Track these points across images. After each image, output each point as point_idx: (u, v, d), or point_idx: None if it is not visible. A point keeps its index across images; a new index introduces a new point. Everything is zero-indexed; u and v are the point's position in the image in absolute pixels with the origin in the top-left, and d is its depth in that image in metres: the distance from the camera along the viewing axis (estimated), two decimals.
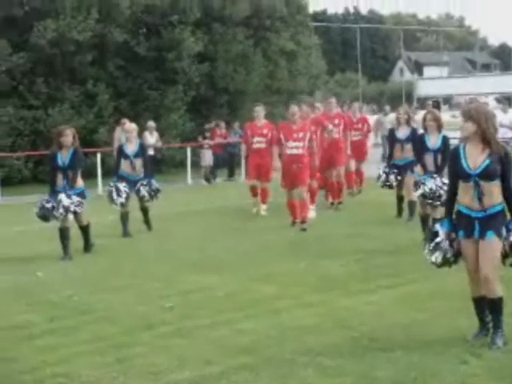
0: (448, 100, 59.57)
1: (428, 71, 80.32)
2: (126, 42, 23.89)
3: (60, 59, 23.06)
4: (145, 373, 5.36)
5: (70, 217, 10.08)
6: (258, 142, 13.57)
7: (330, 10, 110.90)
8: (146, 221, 12.24)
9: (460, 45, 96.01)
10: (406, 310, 6.69)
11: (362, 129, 16.30)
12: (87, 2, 23.17)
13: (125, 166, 11.95)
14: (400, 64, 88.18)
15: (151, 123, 20.62)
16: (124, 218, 11.83)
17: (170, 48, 24.30)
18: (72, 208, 9.96)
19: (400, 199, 12.40)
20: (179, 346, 5.96)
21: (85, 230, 10.48)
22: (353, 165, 15.42)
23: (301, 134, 11.71)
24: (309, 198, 12.18)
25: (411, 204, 11.81)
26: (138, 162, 11.92)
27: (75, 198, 10.01)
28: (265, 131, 13.56)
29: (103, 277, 8.77)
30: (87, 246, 10.52)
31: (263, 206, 13.63)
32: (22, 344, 6.18)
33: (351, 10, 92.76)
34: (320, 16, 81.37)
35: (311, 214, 12.44)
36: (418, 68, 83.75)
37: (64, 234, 10.14)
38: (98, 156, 19.97)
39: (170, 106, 24.34)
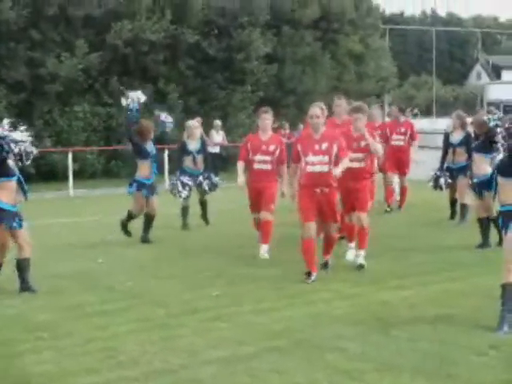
0: None
1: (507, 75, 78.75)
2: (197, 42, 24.60)
3: (134, 58, 23.95)
4: (184, 351, 5.85)
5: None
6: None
7: (407, 12, 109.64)
8: (204, 214, 12.80)
9: None
10: (436, 306, 7.00)
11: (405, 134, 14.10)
12: (161, 3, 24.01)
13: (187, 161, 12.55)
14: (477, 67, 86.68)
15: (218, 122, 21.28)
16: (185, 211, 12.44)
17: (240, 49, 24.90)
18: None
19: (453, 202, 12.60)
20: (218, 329, 6.44)
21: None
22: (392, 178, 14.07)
23: (324, 146, 8.21)
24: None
25: (463, 207, 12.00)
26: (200, 158, 12.52)
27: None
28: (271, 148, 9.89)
29: (157, 265, 9.35)
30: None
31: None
32: (77, 321, 6.78)
33: (429, 13, 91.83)
34: (397, 18, 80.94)
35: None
36: (495, 72, 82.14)
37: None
38: (166, 152, 20.69)
39: (238, 106, 24.93)
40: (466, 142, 11.80)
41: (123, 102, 11.32)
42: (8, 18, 21.65)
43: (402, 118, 14.27)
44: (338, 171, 8.03)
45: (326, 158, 8.11)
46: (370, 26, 29.84)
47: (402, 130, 14.06)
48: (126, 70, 24.22)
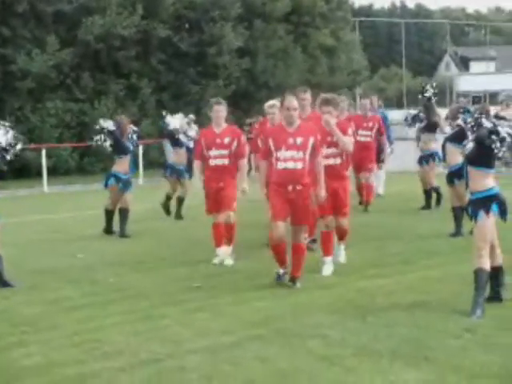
0: (494, 96, 59.14)
1: (474, 66, 79.60)
2: (168, 37, 24.63)
3: (105, 54, 23.92)
4: (169, 341, 5.98)
5: None
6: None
7: (377, 5, 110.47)
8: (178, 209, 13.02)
9: (509, 39, 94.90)
10: (413, 293, 7.21)
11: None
12: None
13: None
14: (446, 59, 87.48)
15: (191, 116, 21.29)
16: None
17: (212, 43, 24.98)
18: None
19: (426, 192, 12.98)
20: (201, 320, 6.57)
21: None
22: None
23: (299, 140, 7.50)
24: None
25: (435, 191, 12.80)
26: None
27: None
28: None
29: (136, 259, 9.45)
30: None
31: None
32: (61, 315, 6.87)
33: (398, 5, 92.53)
34: (366, 11, 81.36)
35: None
36: (464, 63, 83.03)
37: None
38: (141, 148, 20.72)
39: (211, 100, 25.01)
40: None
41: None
42: None
43: (369, 113, 13.32)
44: (322, 193, 7.71)
45: (301, 154, 7.43)
46: (341, 19, 30.06)
47: (370, 124, 13.17)
48: (97, 66, 24.20)
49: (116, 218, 11.38)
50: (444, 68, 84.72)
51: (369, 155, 13.00)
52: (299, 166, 7.44)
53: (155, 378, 5.19)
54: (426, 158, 12.81)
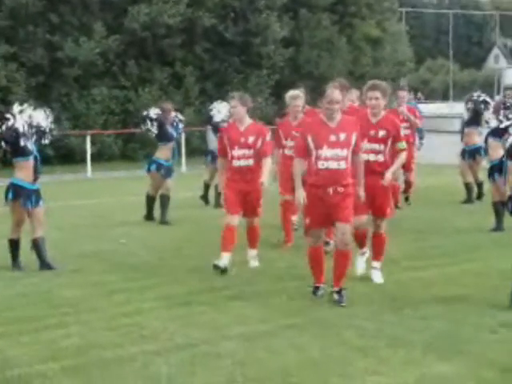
0: None
1: None
2: (213, 26, 24.70)
3: (151, 42, 24.10)
4: (204, 327, 6.07)
5: None
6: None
7: None
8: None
9: None
10: (451, 286, 7.18)
11: None
12: None
13: None
14: (495, 51, 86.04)
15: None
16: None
17: (257, 33, 24.98)
18: None
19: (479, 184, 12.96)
20: (238, 307, 6.65)
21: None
22: None
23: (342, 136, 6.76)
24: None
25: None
26: None
27: None
28: None
29: (176, 246, 9.57)
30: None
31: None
32: (101, 298, 7.01)
33: None
34: (414, 1, 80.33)
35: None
36: None
37: None
38: (183, 136, 20.86)
39: (253, 90, 25.06)
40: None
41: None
42: (27, 1, 21.83)
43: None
44: (361, 192, 6.92)
45: (344, 152, 6.65)
46: (387, 10, 29.82)
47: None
48: (143, 54, 24.39)
49: (157, 204, 11.51)
50: (493, 60, 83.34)
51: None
52: (342, 165, 6.68)
53: (189, 362, 5.28)
54: (470, 153, 12.67)
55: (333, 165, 6.64)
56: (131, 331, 5.97)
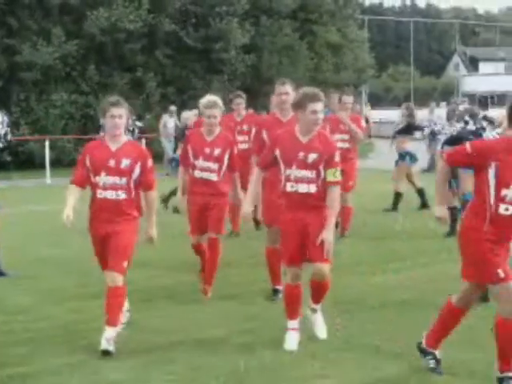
0: (502, 97, 59.09)
1: (483, 67, 79.46)
2: (174, 31, 24.68)
3: (111, 47, 24.00)
4: (159, 332, 6.07)
5: None
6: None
7: (387, 3, 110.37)
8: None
9: None
10: (399, 290, 7.30)
11: None
12: None
13: None
14: (455, 59, 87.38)
15: (172, 107, 21.71)
16: None
17: (218, 39, 25.01)
18: None
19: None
20: (192, 312, 6.66)
21: None
22: None
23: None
24: None
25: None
26: None
27: None
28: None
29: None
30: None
31: None
32: (53, 305, 6.96)
33: (408, 3, 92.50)
34: (376, 9, 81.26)
35: None
36: (473, 63, 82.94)
37: None
38: (143, 142, 20.78)
39: (216, 95, 25.07)
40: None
41: None
42: None
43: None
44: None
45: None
46: (348, 17, 30.08)
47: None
48: (103, 59, 24.27)
49: None
50: (453, 68, 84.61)
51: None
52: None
53: (142, 367, 5.26)
54: (400, 156, 12.96)
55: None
56: (83, 337, 5.93)
